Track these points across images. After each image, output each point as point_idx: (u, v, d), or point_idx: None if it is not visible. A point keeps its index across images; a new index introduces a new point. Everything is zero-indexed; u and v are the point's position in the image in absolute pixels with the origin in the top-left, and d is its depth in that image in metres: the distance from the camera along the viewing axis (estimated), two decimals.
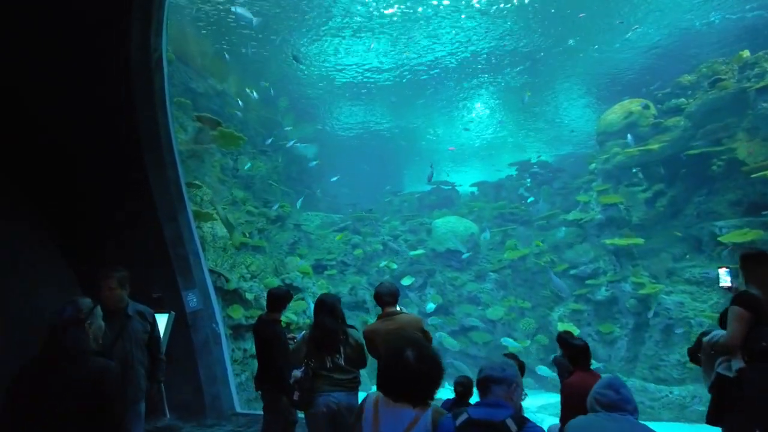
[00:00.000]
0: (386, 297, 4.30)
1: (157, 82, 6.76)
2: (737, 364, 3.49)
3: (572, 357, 4.12)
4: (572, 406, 3.63)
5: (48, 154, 6.55)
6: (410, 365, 2.34)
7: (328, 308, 4.11)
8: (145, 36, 6.23)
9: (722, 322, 3.75)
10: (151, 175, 6.93)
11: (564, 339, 4.49)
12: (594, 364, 11.78)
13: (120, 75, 6.22)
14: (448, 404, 4.46)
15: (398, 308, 4.38)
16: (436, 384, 2.39)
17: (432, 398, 2.43)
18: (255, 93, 17.67)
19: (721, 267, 4.23)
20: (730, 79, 13.42)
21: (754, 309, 3.51)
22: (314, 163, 18.82)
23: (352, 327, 4.23)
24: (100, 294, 4.04)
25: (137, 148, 6.74)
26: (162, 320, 6.92)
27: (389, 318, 4.23)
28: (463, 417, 2.27)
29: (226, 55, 16.62)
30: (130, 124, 6.56)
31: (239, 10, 14.37)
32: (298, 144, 17.80)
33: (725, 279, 4.10)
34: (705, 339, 3.80)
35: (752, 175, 11.64)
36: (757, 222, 11.46)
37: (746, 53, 13.42)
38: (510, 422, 2.19)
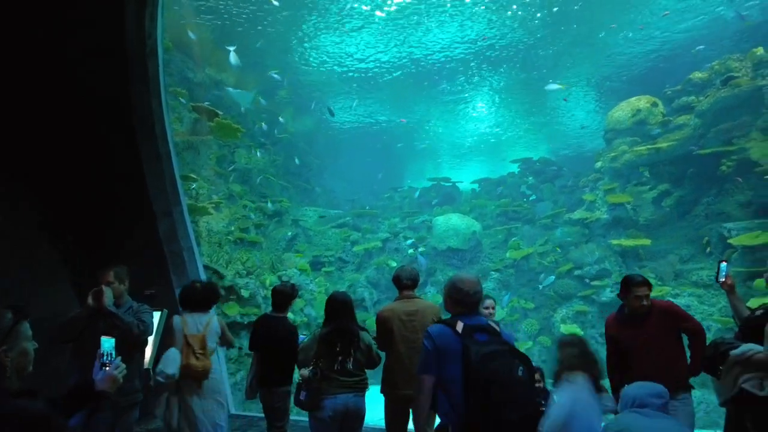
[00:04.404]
0: (406, 280, 4.25)
1: (152, 70, 6.44)
2: None
3: None
4: None
5: (35, 144, 6.24)
6: None
7: (350, 309, 4.05)
8: (139, 20, 5.91)
9: (746, 332, 3.44)
10: (145, 167, 6.66)
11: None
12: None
13: (113, 61, 5.92)
14: None
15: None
16: None
17: None
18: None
19: (722, 261, 3.99)
20: (744, 76, 13.11)
21: None
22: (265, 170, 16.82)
23: (364, 330, 4.10)
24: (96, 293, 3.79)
25: (131, 138, 6.46)
26: (155, 318, 6.68)
27: (408, 299, 4.19)
28: (460, 325, 2.79)
29: (233, 60, 14.55)
30: (124, 114, 6.27)
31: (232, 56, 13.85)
32: (229, 89, 15.81)
33: (724, 274, 3.92)
34: (735, 352, 3.45)
35: (766, 177, 11.35)
36: None
37: (760, 50, 13.10)
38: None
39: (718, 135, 13.14)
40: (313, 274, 13.69)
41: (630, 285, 3.81)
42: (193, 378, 4.03)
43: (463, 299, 2.95)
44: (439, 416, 2.90)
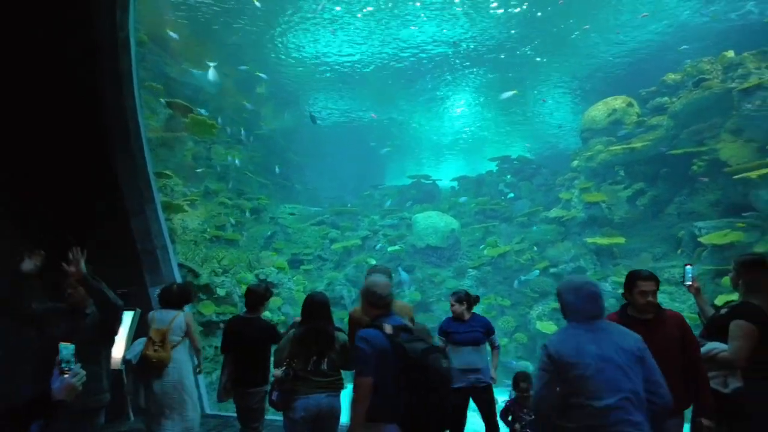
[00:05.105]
0: None
1: (124, 64, 6.31)
2: (735, 382, 3.27)
3: None
4: None
5: (19, 142, 6.06)
6: None
7: (327, 310, 4.01)
8: (111, 12, 5.78)
9: (711, 330, 3.52)
10: (117, 163, 6.54)
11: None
12: None
13: (84, 55, 5.78)
14: (512, 402, 4.76)
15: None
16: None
17: None
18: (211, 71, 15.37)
19: (687, 264, 4.00)
20: (715, 79, 13.39)
21: (762, 323, 3.28)
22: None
23: (340, 330, 4.08)
24: (63, 293, 3.69)
25: (102, 134, 6.33)
26: (127, 318, 6.56)
27: None
28: (389, 327, 2.93)
29: (212, 76, 14.51)
30: (95, 109, 6.14)
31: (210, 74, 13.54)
32: (192, 70, 15.43)
33: (690, 277, 3.92)
34: (700, 350, 3.54)
35: (734, 177, 11.61)
36: (743, 223, 11.41)
37: (731, 53, 13.40)
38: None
39: (690, 136, 13.41)
40: (291, 272, 13.60)
41: (635, 278, 3.35)
42: (150, 367, 4.46)
43: (378, 302, 3.14)
44: (371, 415, 2.93)
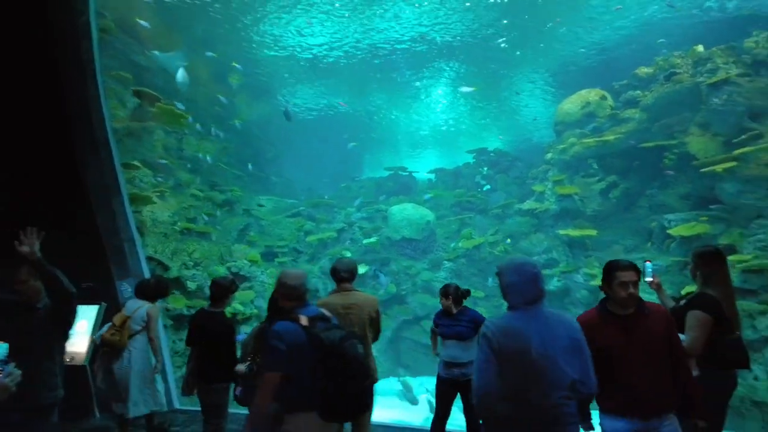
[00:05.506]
0: (344, 273, 4.18)
1: (85, 50, 6.13)
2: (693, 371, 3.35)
3: None
4: None
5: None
6: None
7: None
8: None
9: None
10: (80, 154, 6.38)
11: None
12: None
13: (43, 41, 5.59)
14: None
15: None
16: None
17: None
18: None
19: (647, 260, 4.06)
20: (685, 73, 13.61)
21: (716, 314, 3.38)
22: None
23: None
24: (15, 284, 3.46)
25: (64, 123, 6.16)
26: (92, 312, 6.43)
27: (346, 293, 4.13)
28: (304, 318, 2.98)
29: (181, 77, 13.55)
30: (56, 97, 5.96)
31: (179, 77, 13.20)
32: (156, 52, 15.05)
33: (650, 273, 3.94)
34: None
35: (702, 170, 11.87)
36: (705, 216, 11.68)
37: (700, 48, 13.63)
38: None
39: (662, 129, 13.61)
40: (264, 264, 13.45)
41: (614, 269, 3.03)
42: (107, 347, 4.92)
43: (290, 293, 3.14)
44: (288, 407, 2.95)
